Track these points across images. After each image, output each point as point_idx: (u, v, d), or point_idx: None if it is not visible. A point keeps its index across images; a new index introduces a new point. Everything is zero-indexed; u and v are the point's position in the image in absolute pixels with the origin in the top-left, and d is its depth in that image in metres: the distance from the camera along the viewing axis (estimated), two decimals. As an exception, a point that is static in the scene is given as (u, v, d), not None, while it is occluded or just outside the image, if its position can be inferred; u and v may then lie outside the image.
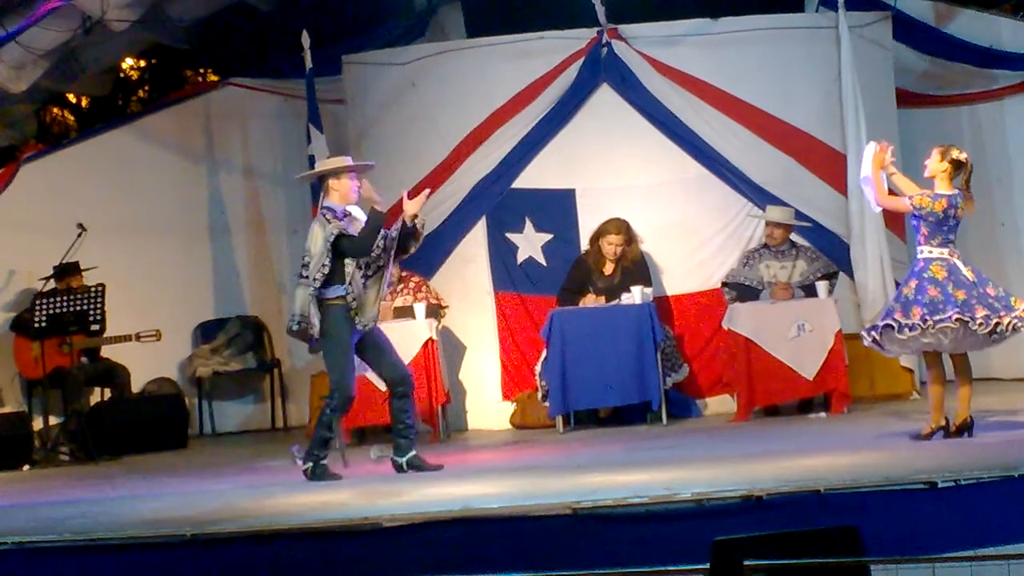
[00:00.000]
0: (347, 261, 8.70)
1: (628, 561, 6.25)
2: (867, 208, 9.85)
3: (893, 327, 8.43)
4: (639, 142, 11.37)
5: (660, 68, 11.32)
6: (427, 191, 9.08)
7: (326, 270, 8.65)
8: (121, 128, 12.80)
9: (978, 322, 8.33)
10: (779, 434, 9.72)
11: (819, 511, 6.60)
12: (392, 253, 8.89)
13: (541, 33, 11.44)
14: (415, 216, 8.83)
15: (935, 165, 8.64)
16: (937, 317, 8.34)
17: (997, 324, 8.36)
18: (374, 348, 8.87)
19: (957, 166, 8.61)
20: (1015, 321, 8.40)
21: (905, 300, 8.48)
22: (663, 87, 11.32)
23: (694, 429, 10.43)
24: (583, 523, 6.69)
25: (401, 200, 9.12)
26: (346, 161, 8.97)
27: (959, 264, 8.51)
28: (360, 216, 8.86)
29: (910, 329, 8.37)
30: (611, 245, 10.92)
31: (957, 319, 8.31)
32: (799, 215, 11.06)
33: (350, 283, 8.67)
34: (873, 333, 8.59)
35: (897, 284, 10.18)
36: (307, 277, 8.70)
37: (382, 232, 8.79)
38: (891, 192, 8.74)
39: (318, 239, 8.68)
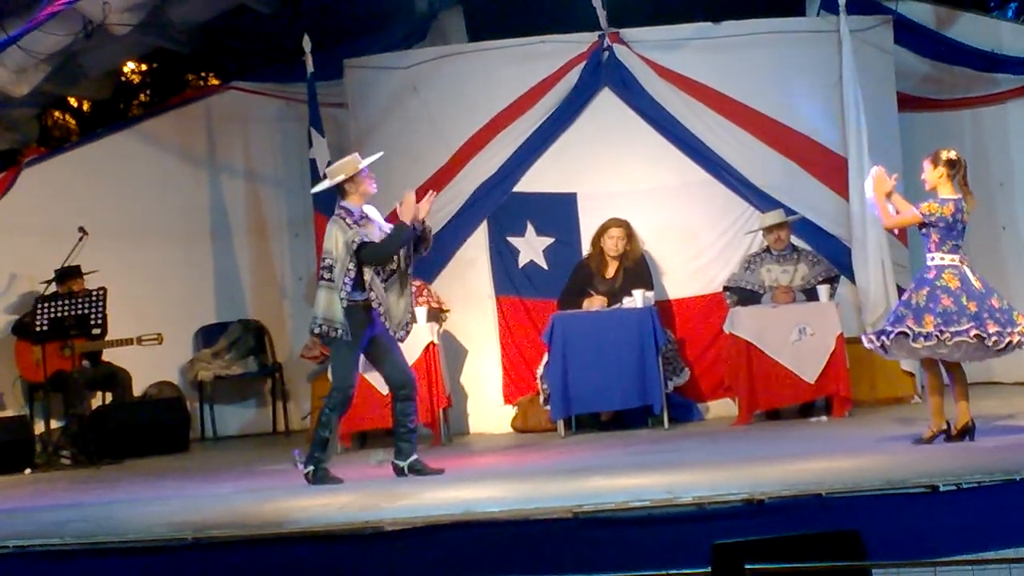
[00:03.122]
0: (366, 267, 8.71)
1: (629, 565, 6.24)
2: (868, 212, 9.83)
3: (908, 335, 8.35)
4: (640, 146, 11.38)
5: (661, 72, 11.33)
6: (432, 192, 9.06)
7: (352, 275, 8.66)
8: (122, 132, 12.81)
9: (993, 339, 8.31)
10: (780, 438, 9.71)
11: (820, 515, 6.59)
12: (409, 258, 8.88)
13: (542, 37, 11.45)
14: (423, 220, 8.84)
15: (931, 174, 8.58)
16: (954, 329, 8.28)
17: (1009, 342, 8.35)
18: (381, 348, 8.85)
19: (952, 166, 8.55)
20: (1021, 338, 8.39)
21: (917, 307, 8.40)
22: (664, 91, 11.33)
23: (695, 433, 10.42)
24: (585, 527, 6.69)
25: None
26: (358, 161, 8.92)
27: (969, 273, 8.47)
28: (376, 217, 8.87)
29: (925, 338, 8.31)
30: (613, 240, 10.91)
31: (976, 335, 8.29)
32: (789, 211, 11.04)
33: (371, 288, 8.68)
34: (883, 338, 8.49)
35: (899, 288, 10.17)
36: (330, 279, 8.69)
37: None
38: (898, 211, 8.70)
39: (339, 243, 8.67)
